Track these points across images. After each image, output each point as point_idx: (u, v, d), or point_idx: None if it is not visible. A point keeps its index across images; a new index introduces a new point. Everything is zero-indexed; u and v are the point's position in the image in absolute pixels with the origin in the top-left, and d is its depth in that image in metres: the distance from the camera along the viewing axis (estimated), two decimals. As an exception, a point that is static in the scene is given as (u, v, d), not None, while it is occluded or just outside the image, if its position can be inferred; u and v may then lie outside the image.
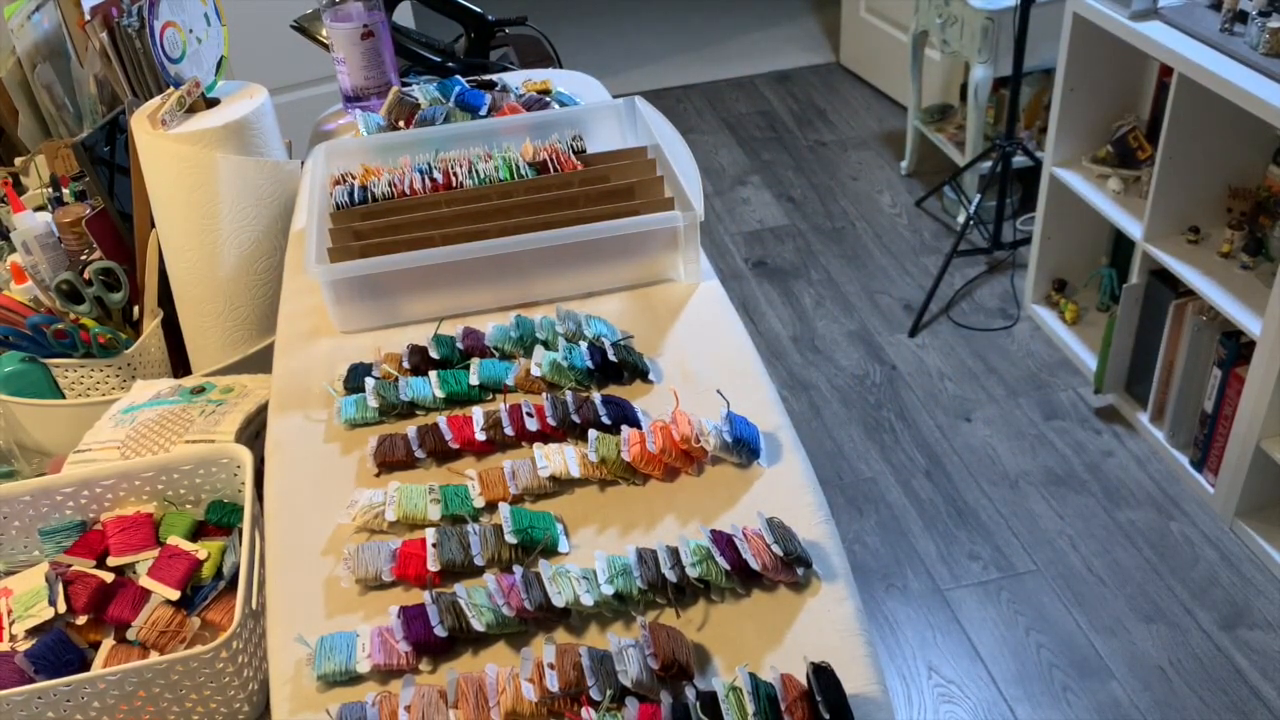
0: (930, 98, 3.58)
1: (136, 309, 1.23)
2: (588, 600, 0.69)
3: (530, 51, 2.04)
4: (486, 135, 1.18)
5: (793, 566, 0.71)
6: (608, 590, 0.70)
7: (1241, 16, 2.16)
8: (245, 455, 0.90)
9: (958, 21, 3.13)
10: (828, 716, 0.61)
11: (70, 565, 0.86)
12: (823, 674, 0.63)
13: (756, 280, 3.14)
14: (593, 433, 0.82)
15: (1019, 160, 3.02)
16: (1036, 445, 2.63)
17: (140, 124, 1.13)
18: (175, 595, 0.84)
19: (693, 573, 0.71)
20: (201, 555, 0.87)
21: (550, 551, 0.75)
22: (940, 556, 2.35)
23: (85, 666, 0.81)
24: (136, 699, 0.77)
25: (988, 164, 3.06)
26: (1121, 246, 2.76)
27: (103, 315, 1.20)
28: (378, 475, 0.83)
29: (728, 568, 0.71)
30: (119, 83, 1.27)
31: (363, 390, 0.89)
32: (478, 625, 0.68)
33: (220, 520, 0.91)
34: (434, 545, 0.74)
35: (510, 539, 0.74)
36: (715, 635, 0.70)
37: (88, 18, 1.28)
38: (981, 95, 3.10)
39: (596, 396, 0.86)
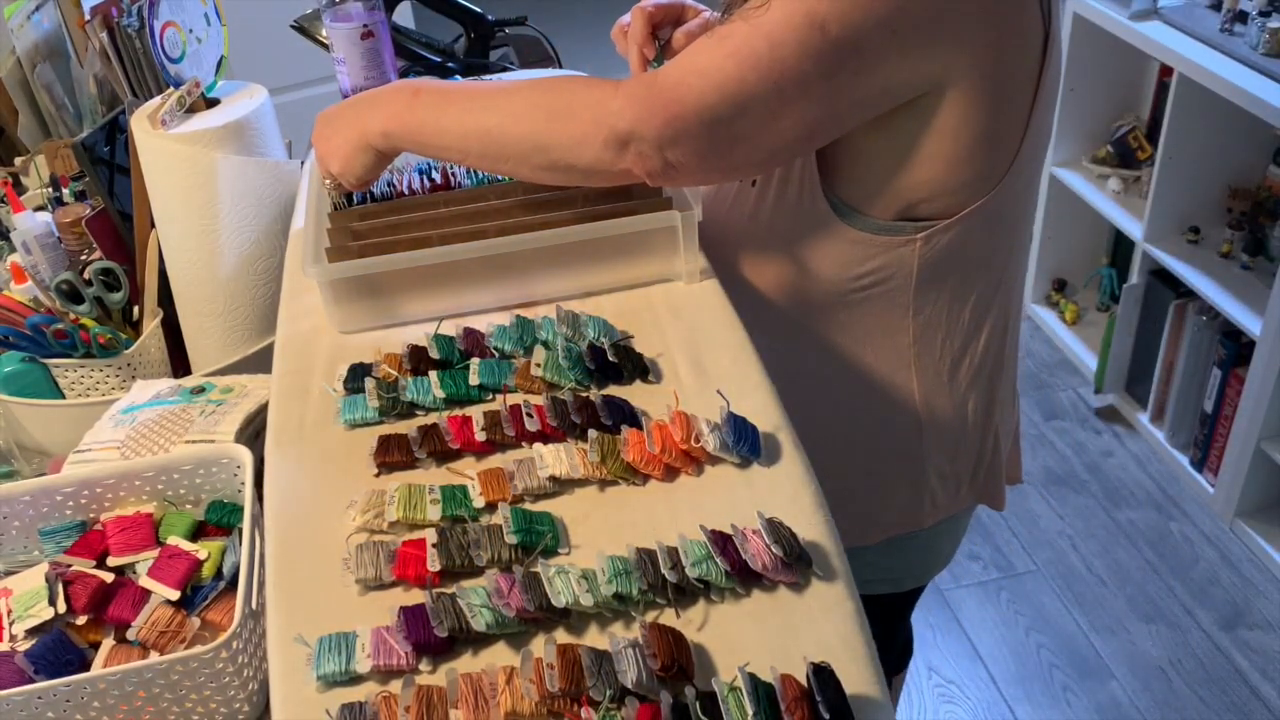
0: (930, 98, 3.57)
1: (136, 309, 1.23)
2: (588, 601, 0.69)
3: (530, 51, 2.04)
4: (486, 135, 1.17)
5: (793, 567, 0.71)
6: (608, 591, 0.70)
7: (1241, 16, 2.16)
8: (245, 455, 0.90)
9: (958, 21, 3.12)
10: (828, 717, 0.61)
11: (70, 565, 0.86)
12: (823, 674, 0.63)
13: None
14: (593, 433, 0.82)
15: (1019, 160, 3.01)
16: (1036, 445, 2.63)
17: (140, 124, 1.13)
18: (175, 595, 0.84)
19: (693, 573, 0.71)
20: (201, 555, 0.87)
21: (550, 552, 0.75)
22: (940, 556, 2.34)
23: (85, 666, 0.81)
24: (136, 699, 0.77)
25: (988, 164, 3.06)
26: (1121, 246, 2.76)
27: (103, 315, 1.20)
28: (378, 475, 0.83)
29: (727, 568, 0.71)
30: (119, 83, 1.27)
31: (363, 390, 0.89)
32: (478, 625, 0.68)
33: (220, 520, 0.91)
34: (434, 545, 0.74)
35: (510, 539, 0.74)
36: (715, 636, 0.70)
37: (88, 18, 1.28)
38: (981, 95, 3.09)
39: (596, 396, 0.86)
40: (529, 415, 0.85)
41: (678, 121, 0.82)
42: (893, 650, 1.41)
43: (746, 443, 0.80)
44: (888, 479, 1.13)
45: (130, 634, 0.81)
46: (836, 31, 0.80)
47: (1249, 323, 2.18)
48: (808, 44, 0.81)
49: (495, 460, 0.84)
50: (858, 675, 0.66)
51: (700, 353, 0.92)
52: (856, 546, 1.16)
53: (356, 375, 0.91)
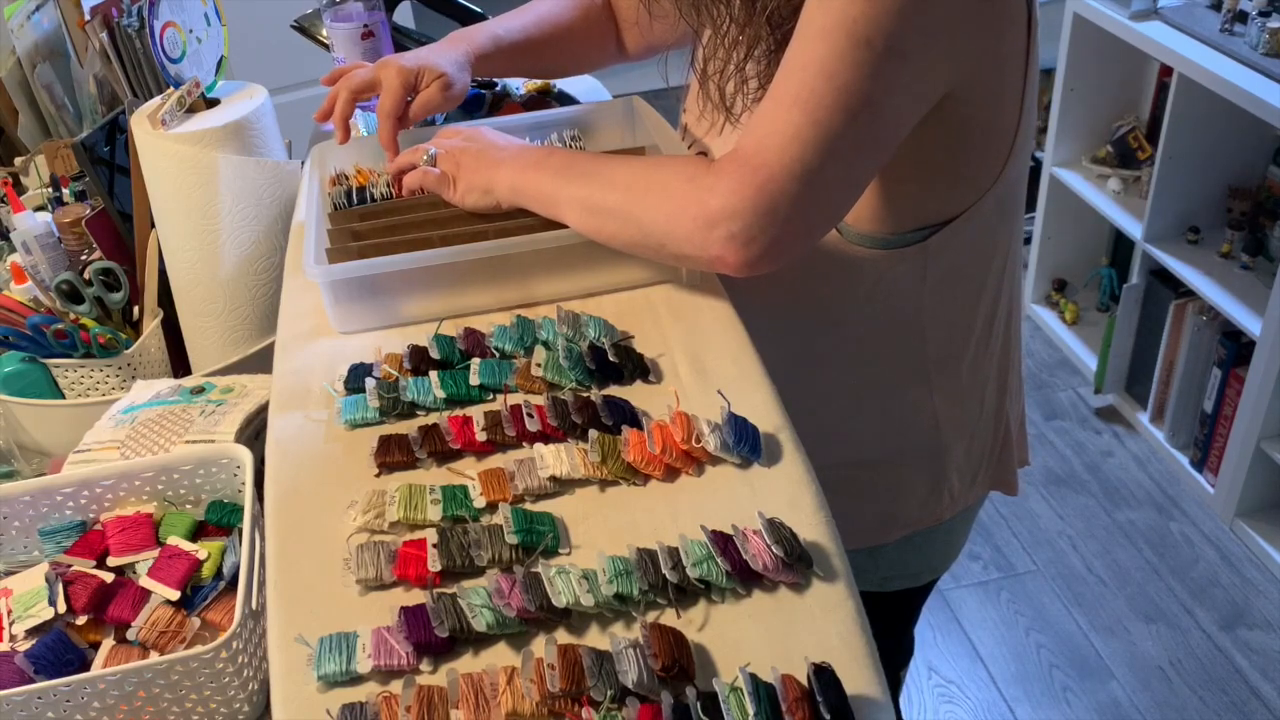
0: (930, 98, 3.57)
1: (136, 309, 1.23)
2: (588, 601, 0.69)
3: (530, 51, 2.03)
4: (487, 135, 1.17)
5: (793, 567, 0.71)
6: (608, 591, 0.70)
7: (1241, 16, 2.16)
8: (245, 455, 0.90)
9: (958, 21, 3.12)
10: (828, 717, 0.61)
11: (70, 565, 0.86)
12: (823, 674, 0.63)
13: (756, 280, 3.13)
14: (593, 433, 0.82)
15: (1019, 160, 3.01)
16: (1036, 445, 2.63)
17: (140, 124, 1.13)
18: (175, 595, 0.84)
19: (693, 573, 0.71)
20: (201, 555, 0.87)
21: (551, 552, 0.75)
22: (940, 556, 2.34)
23: (85, 666, 0.81)
24: (136, 699, 0.77)
25: (988, 164, 3.05)
26: (1121, 246, 2.77)
27: (103, 315, 1.20)
28: (378, 476, 0.83)
29: (728, 568, 0.71)
30: (119, 83, 1.27)
31: (363, 390, 0.89)
32: (478, 626, 0.68)
33: (220, 520, 0.91)
34: (435, 546, 0.74)
35: (511, 539, 0.74)
36: (716, 636, 0.70)
37: (88, 18, 1.28)
38: (981, 95, 3.09)
39: (597, 397, 0.86)
40: (529, 415, 0.85)
41: (771, 184, 0.80)
42: (903, 646, 1.42)
43: (747, 443, 0.80)
44: (907, 478, 1.13)
45: (130, 634, 0.81)
46: (883, 43, 0.79)
47: (1249, 323, 2.18)
48: (863, 64, 0.79)
49: (496, 460, 0.84)
50: (858, 675, 0.66)
51: (700, 353, 0.92)
52: (876, 545, 1.16)
53: (356, 375, 0.91)
